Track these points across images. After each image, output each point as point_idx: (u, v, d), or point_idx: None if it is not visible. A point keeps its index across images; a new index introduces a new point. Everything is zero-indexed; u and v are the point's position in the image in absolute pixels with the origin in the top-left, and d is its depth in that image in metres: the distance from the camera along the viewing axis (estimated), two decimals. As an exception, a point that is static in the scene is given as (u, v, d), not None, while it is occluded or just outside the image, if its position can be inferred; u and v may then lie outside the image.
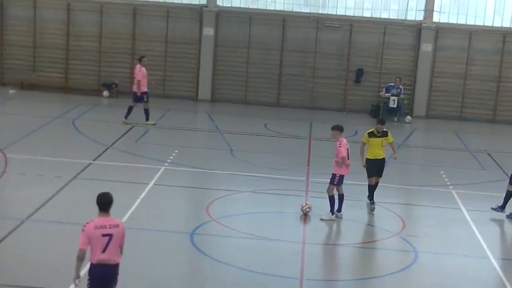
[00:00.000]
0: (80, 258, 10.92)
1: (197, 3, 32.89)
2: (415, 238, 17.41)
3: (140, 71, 26.85)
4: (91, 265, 11.05)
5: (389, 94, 31.38)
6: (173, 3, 33.02)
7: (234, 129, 27.65)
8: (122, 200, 18.35)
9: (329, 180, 18.20)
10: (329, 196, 18.18)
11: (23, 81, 33.08)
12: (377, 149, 18.91)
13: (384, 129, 18.96)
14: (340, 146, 17.89)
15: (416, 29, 32.50)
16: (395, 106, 31.39)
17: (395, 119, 31.53)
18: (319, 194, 19.71)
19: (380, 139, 18.89)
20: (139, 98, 26.91)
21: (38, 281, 13.80)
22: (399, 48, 32.81)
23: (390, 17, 32.86)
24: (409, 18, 32.68)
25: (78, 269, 11.04)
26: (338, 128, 18.24)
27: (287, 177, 21.52)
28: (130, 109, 27.01)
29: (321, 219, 18.14)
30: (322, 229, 17.89)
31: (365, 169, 19.07)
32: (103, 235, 10.89)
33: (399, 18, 32.78)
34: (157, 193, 19.51)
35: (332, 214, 18.17)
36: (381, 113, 31.48)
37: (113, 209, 17.48)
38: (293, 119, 30.59)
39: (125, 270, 14.47)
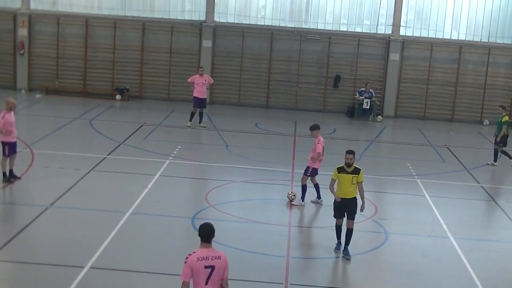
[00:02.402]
0: None
1: (197, 19, 32.72)
2: (386, 221, 17.32)
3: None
4: None
5: (363, 97, 31.39)
6: (176, 19, 32.83)
7: (229, 128, 27.47)
8: (132, 189, 18.30)
9: (303, 171, 18.05)
10: (302, 184, 18.05)
11: (48, 87, 32.85)
12: (346, 187, 14.67)
13: (356, 166, 14.76)
14: (318, 143, 17.75)
15: (385, 41, 32.39)
16: (368, 107, 31.40)
17: (370, 118, 31.48)
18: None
19: (350, 176, 14.64)
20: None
21: (60, 259, 13.65)
22: (370, 58, 32.71)
23: (363, 31, 32.73)
24: (379, 32, 32.58)
25: None
26: (317, 127, 18.06)
27: (275, 169, 21.38)
28: (201, 115, 27.14)
29: (293, 204, 17.98)
30: (305, 214, 17.75)
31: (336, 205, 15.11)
32: (206, 267, 9.35)
33: (371, 31, 32.68)
34: (162, 183, 19.33)
35: (303, 201, 18.00)
36: (355, 114, 31.47)
37: (123, 197, 17.61)
38: (280, 118, 30.45)
39: (135, 249, 14.39)
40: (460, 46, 32.38)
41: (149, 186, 18.79)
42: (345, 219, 14.84)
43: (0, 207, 16.73)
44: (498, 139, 23.84)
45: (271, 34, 32.53)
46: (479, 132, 30.75)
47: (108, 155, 21.79)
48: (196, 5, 32.96)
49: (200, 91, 26.92)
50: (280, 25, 32.77)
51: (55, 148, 22.26)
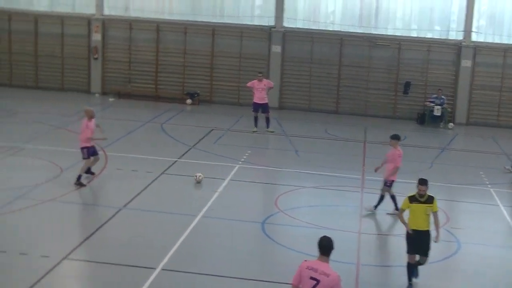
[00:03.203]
0: None
1: (267, 24, 32.77)
2: (458, 230, 17.00)
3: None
4: None
5: (434, 104, 30.92)
6: (246, 24, 32.95)
7: (298, 133, 27.39)
8: (203, 193, 18.46)
9: (383, 183, 17.84)
10: (390, 195, 17.76)
11: (120, 91, 33.36)
12: (419, 218, 13.30)
13: (430, 194, 13.35)
14: (399, 156, 17.49)
15: (457, 47, 31.84)
16: (439, 114, 30.91)
17: (441, 125, 30.97)
18: (373, 191, 19.41)
19: (424, 205, 13.26)
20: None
21: (132, 260, 13.83)
22: (441, 64, 32.18)
23: (434, 37, 32.27)
24: (450, 37, 32.07)
25: None
26: (397, 138, 17.82)
27: (345, 175, 21.23)
28: (268, 120, 27.28)
29: (387, 213, 17.78)
30: (375, 221, 17.56)
31: (410, 235, 13.54)
32: (311, 278, 9.27)
33: (442, 37, 32.18)
34: (232, 187, 19.41)
35: (397, 210, 17.74)
36: (426, 121, 31.04)
37: (194, 201, 17.75)
38: (350, 124, 30.22)
39: (205, 252, 14.47)
40: (534, 53, 31.66)
41: (219, 190, 18.89)
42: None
43: (76, 208, 17.05)
44: None
45: (340, 39, 32.35)
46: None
47: (179, 158, 22.00)
48: (265, 11, 33.03)
49: (259, 96, 26.99)
50: (349, 30, 32.57)
51: (128, 151, 22.59)
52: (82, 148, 18.80)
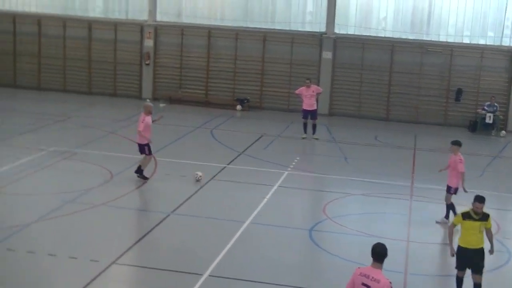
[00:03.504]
0: None
1: (318, 30, 32.71)
2: (509, 240, 16.70)
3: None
4: None
5: (485, 111, 30.45)
6: (297, 30, 32.95)
7: (348, 140, 27.26)
8: (251, 199, 18.46)
9: (446, 190, 17.58)
10: (447, 204, 17.54)
11: (171, 96, 33.64)
12: (472, 236, 12.59)
13: (485, 212, 12.67)
14: (460, 162, 17.25)
15: (510, 54, 31.35)
16: (491, 121, 30.44)
17: (493, 132, 30.49)
18: (422, 199, 19.23)
19: (478, 223, 12.55)
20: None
21: (179, 266, 13.92)
22: (494, 71, 31.67)
23: (487, 43, 31.81)
24: (503, 44, 31.58)
25: None
26: (458, 144, 17.57)
27: (394, 183, 21.06)
28: (314, 127, 27.23)
29: (436, 222, 17.61)
30: (424, 230, 17.34)
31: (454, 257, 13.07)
32: (362, 284, 9.42)
33: (495, 44, 31.71)
34: (281, 194, 19.40)
35: (446, 218, 17.55)
36: (477, 128, 30.59)
37: (242, 207, 17.79)
38: (400, 131, 29.96)
39: (253, 259, 14.49)
40: None
41: (268, 196, 18.89)
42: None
43: (125, 212, 17.24)
44: None
45: (392, 46, 32.11)
46: None
47: (228, 164, 22.07)
48: (316, 17, 32.98)
49: (309, 103, 26.92)
50: (401, 37, 32.31)
51: (177, 156, 22.77)
52: (143, 145, 19.30)
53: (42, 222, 15.93)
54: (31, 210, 16.58)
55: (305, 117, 26.97)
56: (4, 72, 35.01)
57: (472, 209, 12.54)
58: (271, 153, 24.15)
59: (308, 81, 27.39)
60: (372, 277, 9.32)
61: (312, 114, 26.97)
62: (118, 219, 16.79)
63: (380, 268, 9.43)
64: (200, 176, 19.69)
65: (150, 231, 15.81)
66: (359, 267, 9.59)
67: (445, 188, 17.57)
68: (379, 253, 9.48)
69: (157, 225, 16.20)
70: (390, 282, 9.37)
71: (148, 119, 19.41)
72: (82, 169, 20.60)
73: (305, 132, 27.03)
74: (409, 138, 28.38)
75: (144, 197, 18.98)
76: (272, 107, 33.09)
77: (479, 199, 12.54)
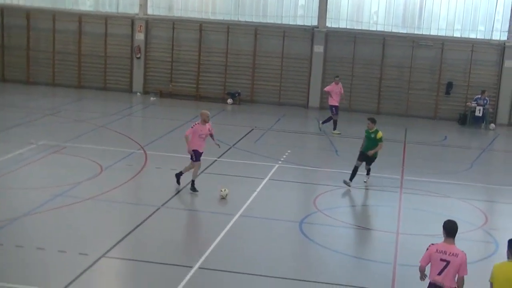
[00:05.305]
0: (420, 270, 10.46)
1: (309, 24, 32.72)
2: (496, 231, 16.76)
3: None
4: (430, 283, 10.43)
5: (475, 104, 30.51)
6: (288, 24, 32.97)
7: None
8: (242, 192, 18.45)
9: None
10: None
11: (162, 90, 33.63)
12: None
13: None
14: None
15: (500, 48, 31.44)
16: (480, 115, 30.52)
17: (482, 126, 30.60)
18: (412, 191, 19.27)
19: None
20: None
21: (170, 258, 13.93)
22: (484, 64, 31.81)
23: (477, 37, 31.88)
24: (494, 38, 31.66)
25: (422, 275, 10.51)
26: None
27: (384, 175, 21.09)
28: (329, 119, 27.42)
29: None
30: (414, 221, 17.38)
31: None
32: (441, 260, 10.19)
33: (485, 38, 31.80)
34: (271, 186, 19.42)
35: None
36: (467, 121, 30.67)
37: (233, 199, 17.77)
38: (390, 125, 29.94)
39: (243, 251, 14.49)
40: None
41: (258, 189, 18.90)
42: None
43: (115, 206, 17.19)
44: None
45: (383, 39, 32.15)
46: None
47: (218, 157, 22.06)
48: (308, 11, 32.98)
49: (337, 100, 27.26)
50: (393, 30, 32.36)
51: (168, 150, 22.75)
52: (193, 151, 18.19)
53: (31, 216, 15.87)
54: (20, 204, 16.51)
55: (337, 113, 27.14)
56: (-7, 66, 34.95)
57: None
58: (262, 146, 24.16)
59: (337, 78, 27.48)
60: (450, 252, 10.13)
61: (337, 109, 27.24)
62: (107, 213, 16.75)
63: (454, 242, 10.22)
64: (227, 194, 17.89)
65: (140, 224, 15.78)
66: (433, 244, 10.33)
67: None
68: (452, 228, 10.24)
69: (147, 218, 16.17)
70: (465, 254, 10.20)
71: (200, 128, 18.09)
72: (72, 163, 20.55)
73: (335, 128, 27.19)
74: (399, 131, 28.43)
75: (134, 191, 18.95)
76: (264, 100, 33.11)
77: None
